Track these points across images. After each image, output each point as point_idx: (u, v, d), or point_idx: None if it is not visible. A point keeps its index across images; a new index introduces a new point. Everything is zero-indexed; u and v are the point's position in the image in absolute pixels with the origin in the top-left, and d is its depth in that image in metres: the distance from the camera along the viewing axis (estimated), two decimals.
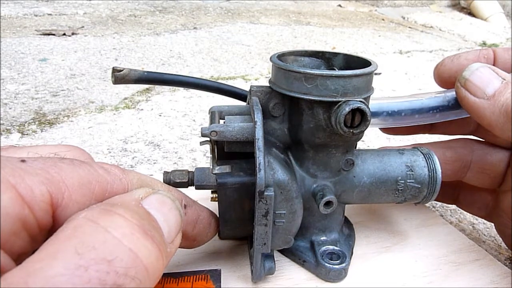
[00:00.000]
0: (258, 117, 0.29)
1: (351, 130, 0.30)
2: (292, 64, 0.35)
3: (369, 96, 0.32)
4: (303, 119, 0.32)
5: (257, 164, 0.28)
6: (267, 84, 0.34)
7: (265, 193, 0.28)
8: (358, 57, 0.35)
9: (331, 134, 0.31)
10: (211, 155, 0.33)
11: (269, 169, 0.30)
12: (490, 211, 0.43)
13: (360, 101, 0.29)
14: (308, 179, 0.34)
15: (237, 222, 0.32)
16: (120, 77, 0.35)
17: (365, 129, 0.30)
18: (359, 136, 0.32)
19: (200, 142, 0.34)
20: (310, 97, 0.30)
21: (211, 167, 0.31)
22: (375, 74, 0.32)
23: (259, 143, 0.28)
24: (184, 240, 0.27)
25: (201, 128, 0.31)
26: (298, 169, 0.34)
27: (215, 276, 0.30)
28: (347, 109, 0.29)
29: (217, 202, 0.32)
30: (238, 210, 0.31)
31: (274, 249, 0.33)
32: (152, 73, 0.37)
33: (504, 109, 0.32)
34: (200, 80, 0.39)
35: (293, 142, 0.34)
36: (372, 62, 0.32)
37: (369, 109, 0.29)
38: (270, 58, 0.33)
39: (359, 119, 0.30)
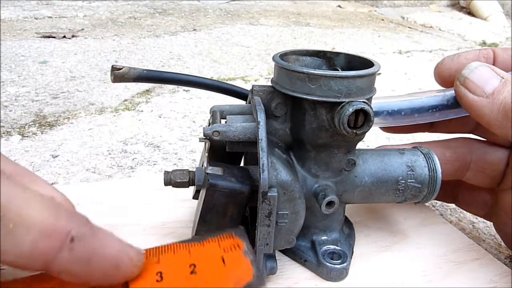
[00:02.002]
0: (261, 117, 0.29)
1: (355, 131, 0.30)
2: (294, 63, 0.35)
3: (372, 97, 0.33)
4: (305, 119, 0.32)
5: (261, 165, 0.28)
6: (268, 84, 0.34)
7: (269, 194, 0.28)
8: (359, 57, 0.35)
9: (334, 134, 0.31)
10: (206, 154, 0.33)
11: (272, 169, 0.30)
12: (489, 210, 0.43)
13: (363, 101, 0.29)
14: (310, 179, 0.34)
15: (215, 226, 0.32)
16: (119, 75, 0.36)
17: (368, 130, 0.30)
18: (361, 136, 0.32)
19: (200, 138, 0.34)
20: (313, 98, 0.30)
21: (204, 165, 0.31)
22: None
23: (263, 143, 0.28)
24: (69, 277, 0.21)
25: (203, 128, 0.31)
26: (300, 169, 0.34)
27: (240, 233, 0.27)
28: (351, 109, 0.29)
29: (197, 201, 0.32)
30: (220, 214, 0.31)
31: (276, 249, 0.33)
32: (151, 71, 0.37)
33: (502, 107, 0.32)
34: (200, 78, 0.39)
35: (295, 142, 0.34)
36: (374, 63, 0.32)
37: (372, 109, 0.30)
38: (273, 57, 0.33)
39: (362, 119, 0.30)
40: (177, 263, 0.25)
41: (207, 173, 0.30)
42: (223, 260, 0.24)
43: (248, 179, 0.31)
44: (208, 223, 0.31)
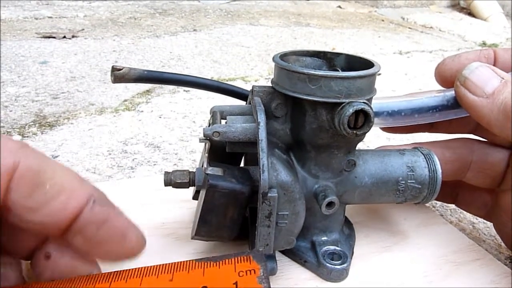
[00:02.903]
0: (261, 118, 0.29)
1: (355, 132, 0.30)
2: (294, 64, 0.35)
3: (372, 97, 0.33)
4: (306, 120, 0.32)
5: (261, 166, 0.28)
6: (267, 85, 0.34)
7: (269, 195, 0.28)
8: (360, 58, 0.35)
9: (334, 135, 0.31)
10: (206, 154, 0.33)
11: (273, 170, 0.30)
12: (489, 211, 0.43)
13: (363, 102, 0.29)
14: (310, 180, 0.34)
15: (216, 226, 0.32)
16: (119, 76, 0.35)
17: (368, 130, 0.30)
18: (361, 137, 0.32)
19: (200, 139, 0.34)
20: (313, 98, 0.30)
21: (204, 166, 0.31)
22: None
23: (263, 144, 0.28)
24: (82, 240, 0.24)
25: (203, 128, 0.31)
26: (300, 169, 0.34)
27: (258, 256, 0.27)
28: (351, 110, 0.29)
29: (197, 201, 0.32)
30: (220, 214, 0.31)
31: (276, 250, 0.33)
32: (152, 72, 0.37)
33: (502, 108, 0.32)
34: (200, 79, 0.39)
35: (295, 143, 0.34)
36: (375, 63, 0.32)
37: (372, 110, 0.29)
38: (273, 58, 0.33)
39: (363, 120, 0.30)
40: (190, 283, 0.25)
41: (207, 174, 0.30)
42: (236, 285, 0.25)
43: (248, 180, 0.31)
44: (208, 223, 0.31)
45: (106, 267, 0.28)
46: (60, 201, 0.22)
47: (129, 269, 0.26)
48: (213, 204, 0.30)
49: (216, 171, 0.31)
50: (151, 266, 0.26)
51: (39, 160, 0.22)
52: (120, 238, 0.25)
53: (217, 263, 0.26)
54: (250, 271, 0.26)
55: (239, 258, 0.27)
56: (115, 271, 0.26)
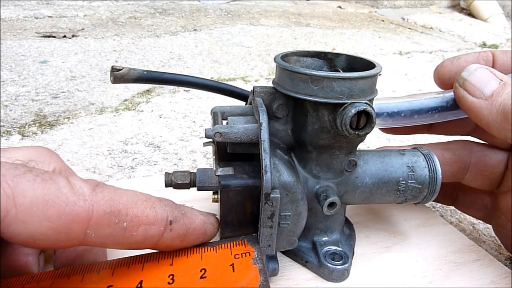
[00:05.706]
0: (264, 118, 0.29)
1: (357, 132, 0.30)
2: (294, 64, 0.35)
3: (373, 98, 0.33)
4: (307, 121, 0.32)
5: (263, 166, 0.28)
6: (268, 85, 0.34)
7: (271, 195, 0.28)
8: (361, 58, 0.35)
9: (336, 135, 0.32)
10: (213, 156, 0.33)
11: (275, 171, 0.30)
12: (488, 213, 0.43)
13: (365, 103, 0.29)
14: (311, 180, 0.34)
15: (239, 225, 0.32)
16: (119, 76, 0.35)
17: (370, 131, 0.30)
18: (363, 138, 0.32)
19: (204, 143, 0.34)
20: (316, 99, 0.30)
21: (214, 168, 0.31)
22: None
23: (265, 145, 0.28)
24: (173, 248, 0.27)
25: (205, 129, 0.31)
26: (301, 170, 0.34)
27: (252, 240, 0.29)
28: (353, 111, 0.29)
29: (218, 203, 0.32)
30: (240, 212, 0.31)
31: (278, 251, 0.33)
32: (151, 72, 0.37)
33: (501, 109, 0.32)
34: (200, 79, 0.39)
35: (297, 143, 0.34)
36: (376, 64, 0.32)
37: (374, 111, 0.30)
38: (275, 59, 0.33)
39: (365, 121, 0.30)
40: (189, 267, 0.26)
41: (218, 175, 0.30)
42: (232, 266, 0.26)
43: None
44: (231, 224, 0.31)
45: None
46: (139, 234, 0.24)
47: (131, 256, 0.27)
48: (231, 204, 0.30)
49: (227, 170, 0.31)
50: (151, 253, 0.27)
51: (111, 201, 0.23)
52: (202, 235, 0.28)
53: (214, 248, 0.28)
54: (245, 253, 0.27)
55: (234, 243, 0.29)
56: (117, 259, 0.27)
